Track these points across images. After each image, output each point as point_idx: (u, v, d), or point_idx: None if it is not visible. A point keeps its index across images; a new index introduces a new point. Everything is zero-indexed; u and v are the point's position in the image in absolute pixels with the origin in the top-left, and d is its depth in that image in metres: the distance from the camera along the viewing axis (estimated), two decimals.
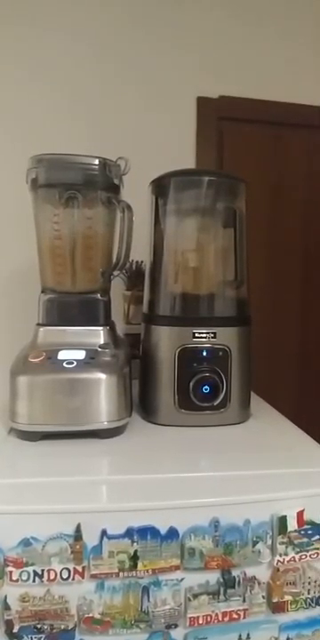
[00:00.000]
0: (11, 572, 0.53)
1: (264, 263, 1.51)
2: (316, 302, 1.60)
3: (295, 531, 0.58)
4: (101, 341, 0.84)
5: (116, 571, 0.55)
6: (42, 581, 0.54)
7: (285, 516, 0.58)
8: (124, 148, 0.91)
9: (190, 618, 0.57)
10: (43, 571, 0.54)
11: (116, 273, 0.88)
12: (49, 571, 0.54)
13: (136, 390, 0.92)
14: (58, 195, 0.83)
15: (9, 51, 1.35)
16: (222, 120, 1.46)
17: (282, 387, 1.51)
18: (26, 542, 0.54)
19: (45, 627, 0.54)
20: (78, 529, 0.54)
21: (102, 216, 0.87)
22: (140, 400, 0.93)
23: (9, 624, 0.54)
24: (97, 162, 0.83)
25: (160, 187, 0.92)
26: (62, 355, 0.79)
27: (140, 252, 0.99)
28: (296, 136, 1.54)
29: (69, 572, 0.54)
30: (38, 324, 0.85)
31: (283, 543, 0.58)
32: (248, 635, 0.59)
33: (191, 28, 1.43)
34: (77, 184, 0.83)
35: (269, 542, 0.58)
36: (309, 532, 0.59)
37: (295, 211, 1.56)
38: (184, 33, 1.43)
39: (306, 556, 0.59)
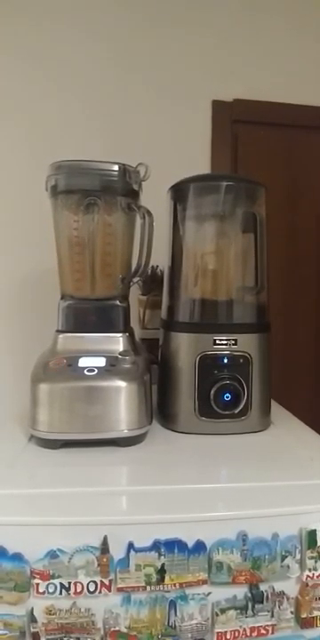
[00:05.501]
0: (37, 585, 0.53)
1: (278, 268, 1.49)
2: None
3: None
4: (121, 348, 0.83)
5: (143, 584, 0.54)
6: (68, 594, 0.53)
7: (315, 530, 0.56)
8: (139, 152, 0.91)
9: (218, 633, 0.56)
10: (69, 583, 0.53)
11: (135, 279, 0.87)
12: (75, 583, 0.53)
13: (154, 396, 0.91)
14: (77, 201, 0.83)
15: (25, 58, 1.36)
16: (237, 123, 1.46)
17: (298, 393, 1.49)
18: (52, 554, 0.53)
19: None
20: (105, 541, 0.53)
21: (122, 222, 0.86)
22: (159, 407, 0.92)
23: (35, 637, 0.54)
24: (116, 168, 0.83)
25: (179, 192, 0.91)
26: (83, 362, 0.78)
27: (156, 257, 0.98)
28: (312, 139, 1.52)
29: (96, 584, 0.53)
30: (58, 331, 0.85)
31: (312, 558, 0.56)
32: None
33: (205, 31, 1.43)
34: (97, 190, 0.82)
35: (298, 557, 0.56)
36: None
37: (311, 214, 1.54)
38: (198, 36, 1.42)
39: None
